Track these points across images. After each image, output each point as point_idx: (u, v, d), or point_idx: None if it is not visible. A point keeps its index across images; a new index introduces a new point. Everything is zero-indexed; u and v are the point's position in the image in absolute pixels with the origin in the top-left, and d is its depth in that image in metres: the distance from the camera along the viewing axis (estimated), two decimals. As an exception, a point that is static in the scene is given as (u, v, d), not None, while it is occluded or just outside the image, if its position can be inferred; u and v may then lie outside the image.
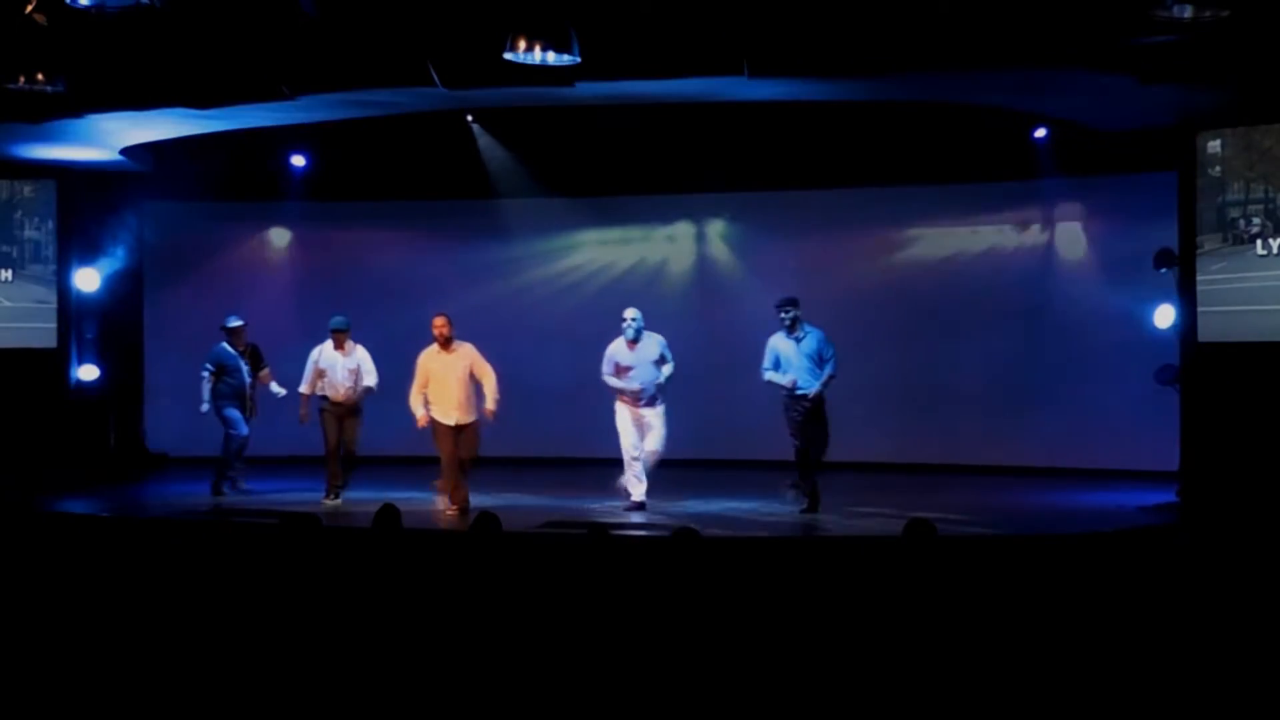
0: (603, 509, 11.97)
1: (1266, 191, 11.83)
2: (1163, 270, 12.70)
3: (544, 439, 14.97)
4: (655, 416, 11.93)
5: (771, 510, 11.85)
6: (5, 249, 14.54)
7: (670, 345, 12.02)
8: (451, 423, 11.82)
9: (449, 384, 11.82)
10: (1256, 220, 11.84)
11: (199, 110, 11.99)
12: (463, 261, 16.20)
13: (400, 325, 14.03)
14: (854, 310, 15.03)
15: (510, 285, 16.01)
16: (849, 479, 13.44)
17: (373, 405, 12.74)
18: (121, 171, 14.59)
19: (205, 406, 13.10)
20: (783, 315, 11.70)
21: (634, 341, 11.87)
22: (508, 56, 9.78)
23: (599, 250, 16.06)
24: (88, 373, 14.92)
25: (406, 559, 7.27)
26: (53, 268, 14.65)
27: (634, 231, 16.09)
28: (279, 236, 16.49)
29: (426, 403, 11.86)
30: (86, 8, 9.26)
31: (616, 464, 12.14)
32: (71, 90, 10.82)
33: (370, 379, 12.55)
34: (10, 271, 14.55)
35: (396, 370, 12.36)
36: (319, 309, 13.75)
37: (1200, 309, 12.19)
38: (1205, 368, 12.26)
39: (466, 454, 11.91)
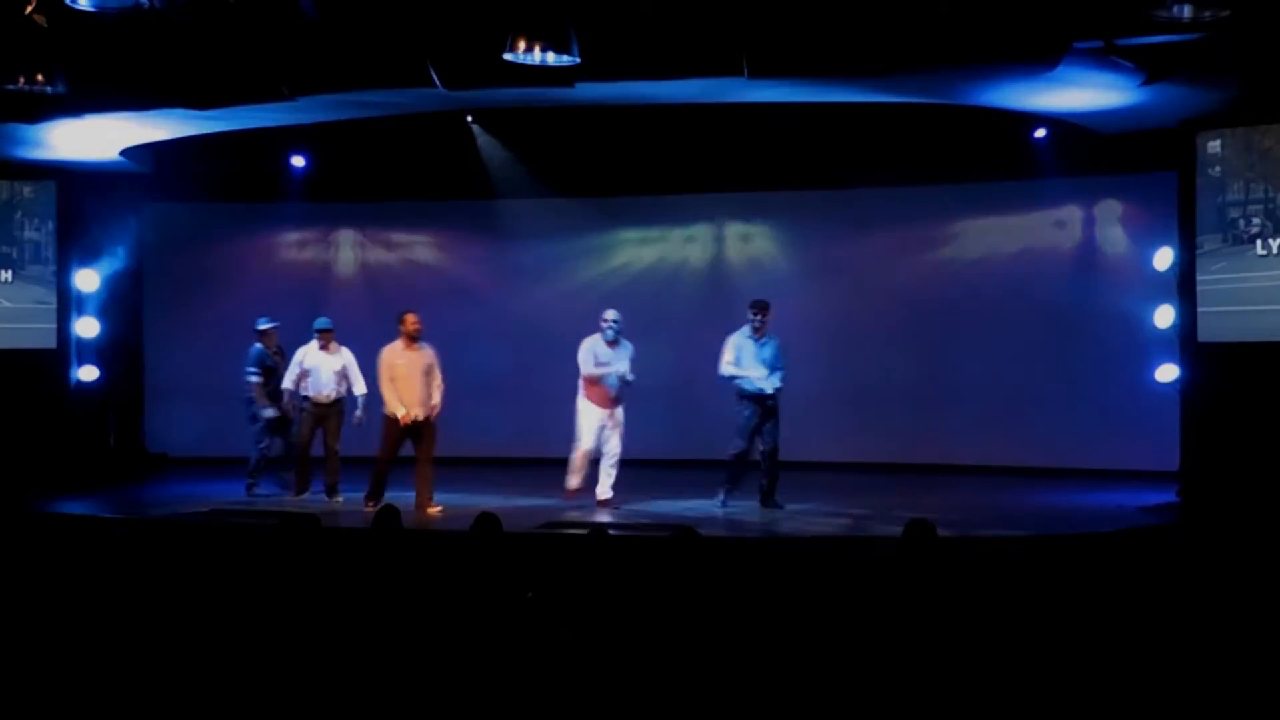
0: (598, 509, 12.01)
1: (1266, 191, 11.83)
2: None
3: (544, 439, 14.97)
4: (620, 416, 12.20)
5: (780, 510, 11.87)
6: (5, 249, 14.52)
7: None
8: (412, 417, 11.92)
9: (413, 381, 11.95)
10: (1256, 220, 11.84)
11: (199, 110, 11.99)
12: (463, 262, 16.19)
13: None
14: (853, 310, 15.07)
15: (511, 286, 16.00)
16: (849, 479, 13.46)
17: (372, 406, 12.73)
18: (121, 171, 14.58)
19: (270, 411, 12.91)
20: (755, 317, 11.87)
21: (613, 342, 12.09)
22: (508, 57, 9.78)
23: (599, 251, 16.05)
24: (88, 373, 14.90)
25: (406, 559, 7.27)
26: (53, 268, 14.63)
27: (632, 233, 16.08)
28: (279, 237, 16.49)
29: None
30: (87, 8, 9.25)
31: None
32: (71, 90, 10.81)
33: (359, 387, 12.62)
34: (10, 272, 14.54)
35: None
36: (319, 309, 13.74)
37: (1200, 309, 12.18)
38: (1205, 368, 12.26)
39: (430, 450, 12.02)
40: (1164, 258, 12.91)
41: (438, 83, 11.17)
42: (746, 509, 11.95)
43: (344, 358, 12.71)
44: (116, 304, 15.30)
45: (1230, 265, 12.02)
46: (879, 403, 14.92)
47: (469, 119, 14.33)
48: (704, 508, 11.99)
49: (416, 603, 6.44)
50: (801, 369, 14.50)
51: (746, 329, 11.95)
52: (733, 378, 11.93)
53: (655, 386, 14.08)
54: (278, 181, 15.64)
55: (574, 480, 12.27)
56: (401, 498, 11.35)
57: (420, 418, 11.95)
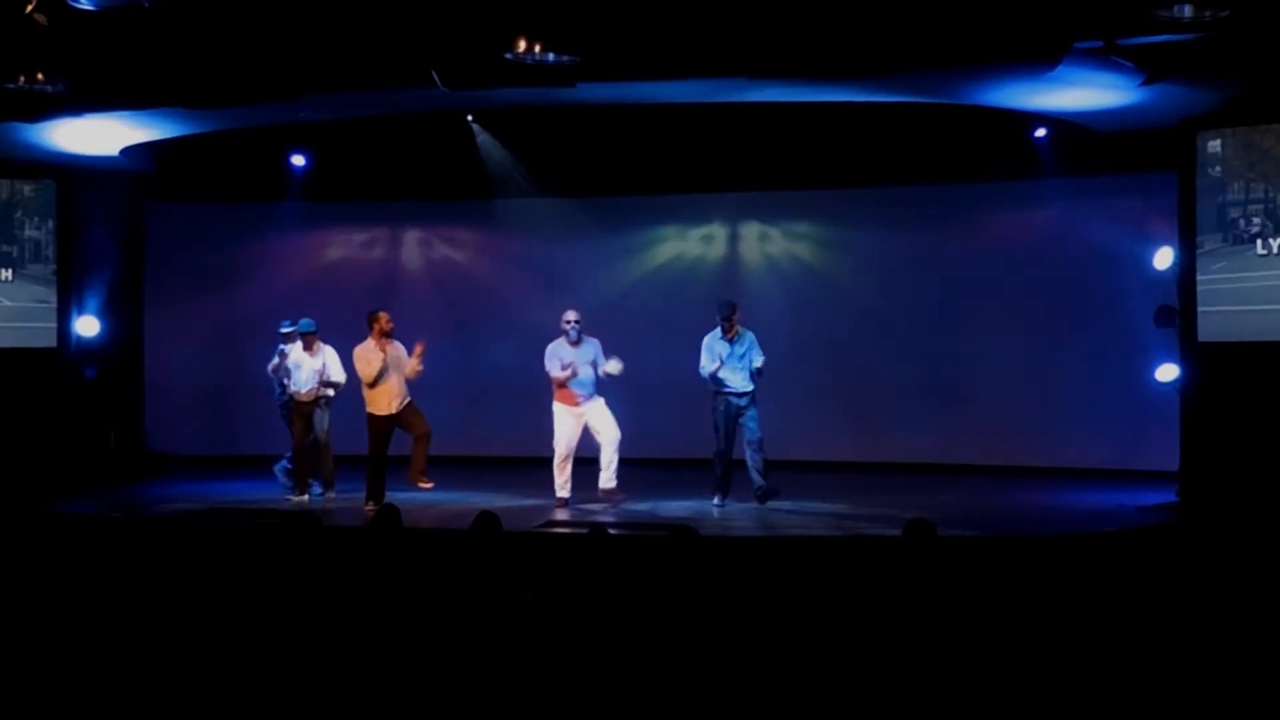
0: (600, 509, 12.01)
1: (1266, 191, 11.83)
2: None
3: (543, 439, 14.95)
4: (598, 409, 12.29)
5: (780, 509, 11.88)
6: (5, 249, 14.52)
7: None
8: (394, 410, 12.17)
9: (394, 376, 12.23)
10: (1257, 220, 11.84)
11: (199, 110, 11.99)
12: (463, 261, 16.19)
13: (400, 325, 13.99)
14: (852, 310, 15.05)
15: (511, 286, 15.99)
16: (849, 479, 13.45)
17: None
18: (121, 171, 14.59)
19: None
20: (723, 319, 11.91)
21: (576, 342, 12.27)
22: (508, 57, 9.78)
23: (600, 251, 16.03)
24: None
25: (406, 559, 7.28)
26: (53, 268, 14.63)
27: (632, 233, 16.07)
28: (279, 236, 16.47)
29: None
30: (87, 7, 9.26)
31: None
32: (71, 90, 10.82)
33: (336, 375, 12.80)
34: (10, 271, 14.54)
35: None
36: (319, 309, 13.73)
37: (1200, 309, 12.18)
38: (1205, 368, 12.26)
39: (423, 426, 12.29)
40: (1164, 257, 12.91)
41: (438, 82, 11.17)
42: (746, 509, 11.95)
43: (324, 356, 12.88)
44: (116, 304, 15.31)
45: (1230, 265, 12.02)
46: (879, 402, 14.91)
47: (469, 118, 14.33)
48: (704, 508, 11.99)
49: (416, 602, 6.44)
50: (802, 368, 14.57)
51: (718, 331, 11.98)
52: (714, 375, 11.92)
53: (655, 386, 14.10)
54: (278, 181, 15.65)
55: (561, 490, 12.29)
56: (401, 497, 11.35)
57: (399, 408, 12.24)
